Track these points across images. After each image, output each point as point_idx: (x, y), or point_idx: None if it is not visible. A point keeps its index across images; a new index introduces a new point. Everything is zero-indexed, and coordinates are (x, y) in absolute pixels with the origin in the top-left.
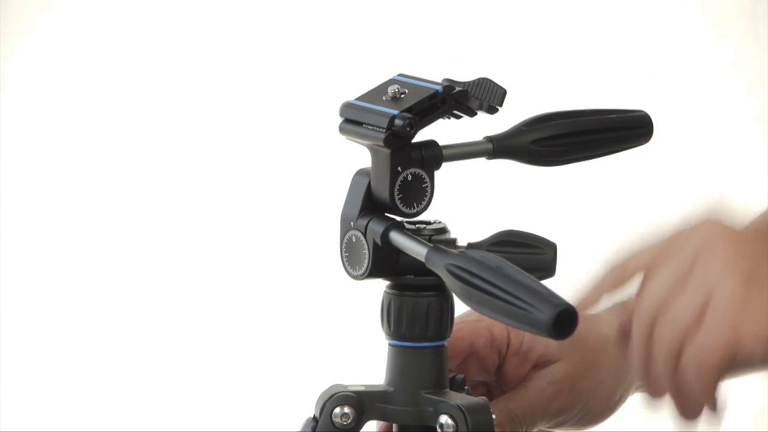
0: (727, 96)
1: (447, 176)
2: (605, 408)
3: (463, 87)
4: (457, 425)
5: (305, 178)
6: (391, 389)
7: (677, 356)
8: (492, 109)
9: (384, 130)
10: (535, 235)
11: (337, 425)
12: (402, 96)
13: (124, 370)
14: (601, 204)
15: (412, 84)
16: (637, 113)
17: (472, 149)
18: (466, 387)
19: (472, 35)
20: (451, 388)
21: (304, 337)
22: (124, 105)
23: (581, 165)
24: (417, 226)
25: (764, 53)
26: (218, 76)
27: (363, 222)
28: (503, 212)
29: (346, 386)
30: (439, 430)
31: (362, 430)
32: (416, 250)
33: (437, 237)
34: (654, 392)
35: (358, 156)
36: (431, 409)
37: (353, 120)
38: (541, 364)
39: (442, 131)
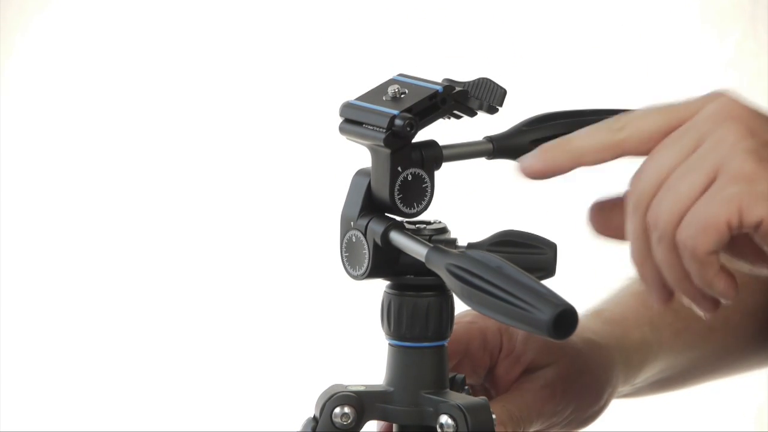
0: None
1: (447, 176)
2: (592, 412)
3: (463, 87)
4: (457, 425)
5: (305, 178)
6: (391, 389)
7: (673, 234)
8: (492, 109)
9: (384, 130)
10: (535, 235)
11: (337, 425)
12: (402, 96)
13: (125, 370)
14: None
15: (412, 84)
16: None
17: (472, 149)
18: (466, 387)
19: (472, 35)
20: (452, 388)
21: (304, 337)
22: (124, 104)
23: None
24: (417, 226)
25: (763, 53)
26: (218, 76)
27: (363, 222)
28: (503, 212)
29: (346, 386)
30: (439, 430)
31: (362, 430)
32: (416, 250)
33: (437, 237)
34: (646, 277)
35: (358, 156)
36: (431, 409)
37: (353, 120)
38: (532, 369)
39: (442, 131)
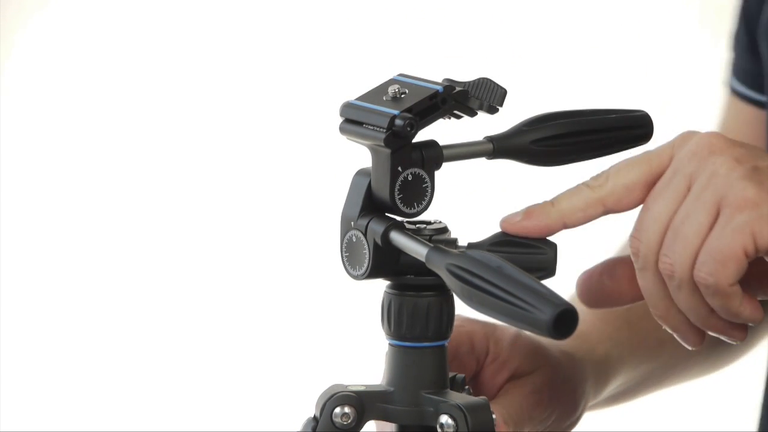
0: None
1: (447, 176)
2: (570, 422)
3: (464, 87)
4: (457, 425)
5: (305, 178)
6: (392, 389)
7: (691, 277)
8: (492, 109)
9: (384, 130)
10: None
11: (337, 425)
12: (402, 96)
13: (125, 370)
14: None
15: (412, 84)
16: (637, 113)
17: (472, 149)
18: (466, 387)
19: (472, 35)
20: (452, 388)
21: (304, 337)
22: (123, 104)
23: (581, 165)
24: (417, 226)
25: None
26: (218, 76)
27: (363, 222)
28: (503, 212)
29: (347, 386)
30: (439, 429)
31: (362, 430)
32: (416, 250)
33: (437, 237)
34: (674, 326)
35: (358, 156)
36: (431, 408)
37: (353, 120)
38: (517, 375)
39: (442, 131)
